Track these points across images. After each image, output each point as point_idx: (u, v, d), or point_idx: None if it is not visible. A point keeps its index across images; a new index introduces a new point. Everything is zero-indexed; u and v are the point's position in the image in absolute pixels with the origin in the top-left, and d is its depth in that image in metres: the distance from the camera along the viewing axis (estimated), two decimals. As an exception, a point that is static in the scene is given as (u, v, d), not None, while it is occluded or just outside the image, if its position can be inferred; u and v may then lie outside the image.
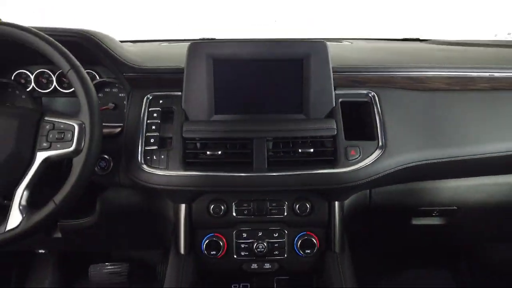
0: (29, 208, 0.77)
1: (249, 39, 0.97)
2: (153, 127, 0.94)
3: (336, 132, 0.91)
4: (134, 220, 1.11)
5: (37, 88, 1.09)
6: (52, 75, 1.09)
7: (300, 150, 0.91)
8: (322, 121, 0.93)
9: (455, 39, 1.42)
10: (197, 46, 0.93)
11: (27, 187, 0.78)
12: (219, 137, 0.92)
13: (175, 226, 0.98)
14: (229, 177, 0.88)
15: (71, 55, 0.80)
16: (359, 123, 0.98)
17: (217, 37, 1.56)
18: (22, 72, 1.09)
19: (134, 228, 1.16)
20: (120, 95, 1.10)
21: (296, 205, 0.93)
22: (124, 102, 1.07)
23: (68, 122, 0.79)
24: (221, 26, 1.50)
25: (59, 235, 1.12)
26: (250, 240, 0.95)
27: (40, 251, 1.40)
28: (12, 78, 1.09)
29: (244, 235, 0.96)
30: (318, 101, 0.94)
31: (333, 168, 0.89)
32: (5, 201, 1.00)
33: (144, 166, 0.90)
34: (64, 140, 0.78)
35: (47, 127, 0.80)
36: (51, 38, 0.80)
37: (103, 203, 1.04)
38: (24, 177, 0.78)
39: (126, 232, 1.17)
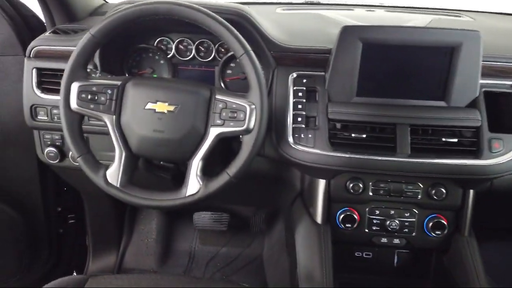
0: (204, 177, 0.88)
1: (402, 26, 0.98)
2: (299, 106, 1.00)
3: (480, 123, 0.94)
4: (258, 183, 1.21)
5: (177, 55, 1.16)
6: (192, 44, 1.14)
7: (443, 139, 0.95)
8: (466, 111, 0.95)
9: None
10: (351, 30, 0.95)
11: (202, 158, 0.87)
12: (363, 120, 0.97)
13: (312, 198, 1.07)
14: (373, 161, 0.95)
15: (244, 40, 0.85)
16: (499, 114, 0.99)
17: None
18: (164, 39, 1.15)
19: (256, 189, 1.27)
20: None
21: (431, 190, 0.99)
22: None
23: (240, 103, 0.86)
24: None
25: None
26: (383, 217, 1.04)
27: None
28: (155, 44, 1.15)
29: (377, 212, 1.04)
30: (461, 90, 0.96)
31: (476, 159, 0.93)
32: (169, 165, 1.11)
33: (293, 144, 0.98)
34: (237, 120, 0.85)
35: (220, 105, 0.86)
36: (227, 23, 0.84)
37: None
38: (199, 149, 0.87)
39: (248, 192, 1.29)
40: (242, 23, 0.98)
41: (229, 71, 1.17)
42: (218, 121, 0.86)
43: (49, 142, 1.16)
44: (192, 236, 1.74)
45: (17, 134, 1.22)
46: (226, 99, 0.87)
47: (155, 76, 1.19)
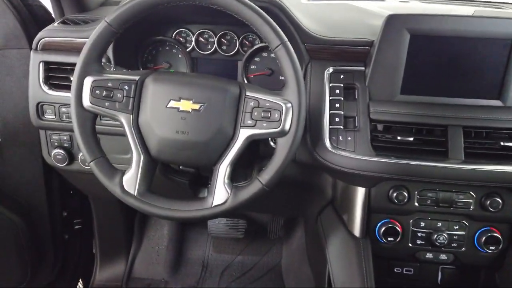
0: (232, 185, 0.77)
1: (455, 15, 0.87)
2: (337, 105, 0.89)
3: None
4: (285, 189, 1.11)
5: (196, 49, 1.05)
6: (214, 36, 1.04)
7: (501, 143, 0.84)
8: None
9: None
10: (397, 19, 0.84)
11: (231, 163, 0.77)
12: (410, 121, 0.86)
13: (348, 208, 0.96)
14: (421, 167, 0.84)
15: (281, 31, 0.74)
16: None
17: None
18: (183, 30, 1.05)
19: (281, 197, 1.16)
20: (277, 61, 1.05)
21: (486, 201, 0.88)
22: None
23: (274, 101, 0.75)
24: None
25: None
26: (428, 230, 0.93)
27: None
28: (173, 36, 1.05)
29: (422, 224, 0.93)
30: None
31: None
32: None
33: (331, 147, 0.87)
34: (271, 120, 0.75)
35: (251, 104, 0.76)
36: (262, 12, 0.74)
37: None
38: (227, 153, 0.76)
39: (273, 199, 1.18)
40: (275, 12, 0.88)
41: (253, 67, 1.06)
42: (249, 122, 0.76)
43: (56, 144, 1.06)
44: (205, 243, 1.64)
45: (22, 134, 1.13)
46: (258, 96, 0.76)
47: (173, 71, 1.09)
